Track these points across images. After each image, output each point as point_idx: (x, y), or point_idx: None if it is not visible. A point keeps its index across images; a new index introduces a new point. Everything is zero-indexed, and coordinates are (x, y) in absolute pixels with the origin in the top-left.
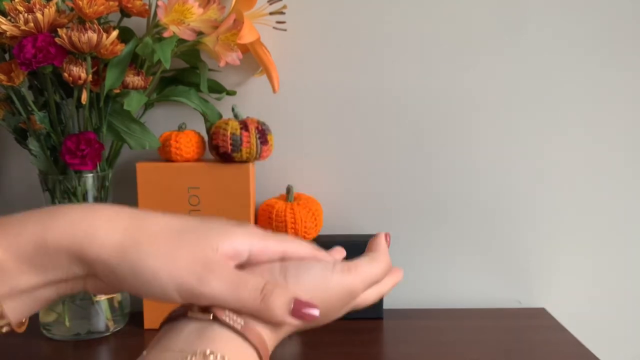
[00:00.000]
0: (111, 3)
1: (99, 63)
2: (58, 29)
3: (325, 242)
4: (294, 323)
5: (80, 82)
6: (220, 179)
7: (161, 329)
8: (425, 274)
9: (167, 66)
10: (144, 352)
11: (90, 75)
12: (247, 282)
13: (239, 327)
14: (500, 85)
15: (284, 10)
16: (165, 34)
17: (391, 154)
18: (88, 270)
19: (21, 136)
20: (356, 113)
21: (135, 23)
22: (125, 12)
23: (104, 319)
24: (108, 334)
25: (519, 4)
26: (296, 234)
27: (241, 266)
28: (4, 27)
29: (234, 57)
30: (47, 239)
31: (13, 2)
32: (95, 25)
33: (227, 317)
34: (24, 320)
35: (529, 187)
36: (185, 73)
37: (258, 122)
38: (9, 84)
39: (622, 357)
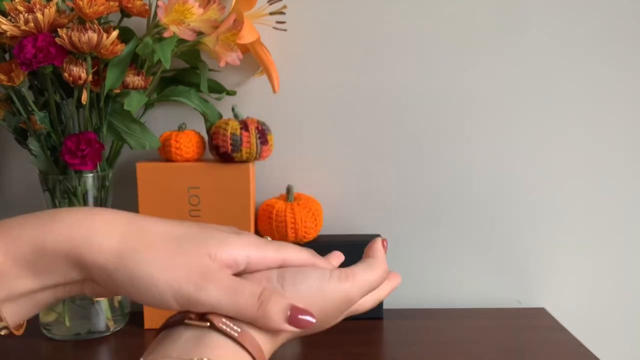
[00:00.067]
0: (111, 3)
1: (99, 63)
2: (58, 29)
3: (325, 242)
4: (290, 330)
5: (81, 82)
6: (220, 179)
7: (158, 336)
8: (425, 274)
9: (167, 66)
10: (141, 359)
11: (91, 75)
12: (244, 289)
13: (235, 334)
14: (500, 85)
15: (284, 10)
16: (166, 34)
17: (391, 154)
18: (86, 274)
19: (21, 136)
20: (356, 113)
21: (136, 23)
22: (125, 12)
23: (104, 318)
24: (108, 333)
25: (519, 4)
26: (296, 234)
27: (239, 275)
28: (4, 27)
29: (234, 57)
30: (45, 243)
31: (13, 2)
32: (95, 25)
33: (223, 324)
34: (22, 323)
35: (529, 187)
36: (186, 73)
37: (258, 122)
38: (9, 84)
39: (622, 357)
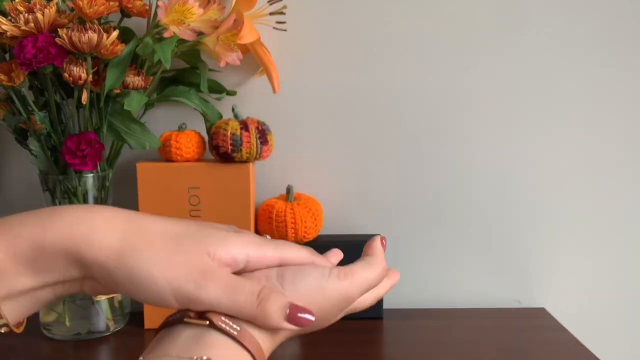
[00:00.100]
0: (111, 3)
1: (99, 63)
2: (58, 29)
3: (325, 242)
4: (289, 328)
5: (81, 82)
6: (220, 179)
7: (157, 335)
8: (425, 274)
9: (168, 66)
10: (141, 358)
11: (91, 76)
12: (243, 287)
13: (235, 333)
14: (500, 85)
15: (284, 11)
16: (166, 34)
17: (391, 154)
18: (85, 272)
19: (21, 136)
20: (356, 113)
21: (136, 23)
22: (125, 13)
23: (104, 318)
24: (108, 333)
25: (519, 4)
26: (296, 234)
27: (238, 274)
28: (4, 27)
29: (234, 57)
30: (45, 241)
31: (13, 2)
32: (95, 26)
33: (223, 323)
34: (22, 321)
35: (529, 187)
36: (186, 73)
37: (258, 122)
38: (10, 84)
39: (622, 357)
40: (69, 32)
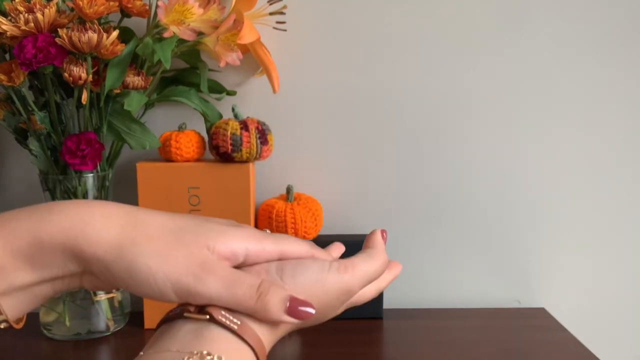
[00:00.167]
0: (111, 3)
1: (99, 63)
2: (58, 29)
3: (325, 242)
4: (290, 321)
5: (81, 82)
6: (220, 179)
7: (158, 330)
8: (425, 274)
9: (168, 66)
10: (141, 353)
11: (91, 76)
12: (243, 281)
13: (235, 327)
14: (500, 85)
15: (284, 10)
16: (166, 34)
17: (391, 154)
18: (84, 267)
19: (21, 136)
20: (356, 113)
21: (136, 23)
22: (125, 13)
23: (104, 318)
24: (108, 333)
25: (519, 4)
26: (296, 234)
27: (238, 267)
28: (4, 27)
29: (234, 57)
30: (42, 236)
31: (13, 2)
32: (95, 26)
33: (223, 317)
34: (22, 317)
35: (529, 187)
36: (186, 73)
37: (258, 122)
38: (10, 84)
39: (622, 357)
40: (69, 32)
